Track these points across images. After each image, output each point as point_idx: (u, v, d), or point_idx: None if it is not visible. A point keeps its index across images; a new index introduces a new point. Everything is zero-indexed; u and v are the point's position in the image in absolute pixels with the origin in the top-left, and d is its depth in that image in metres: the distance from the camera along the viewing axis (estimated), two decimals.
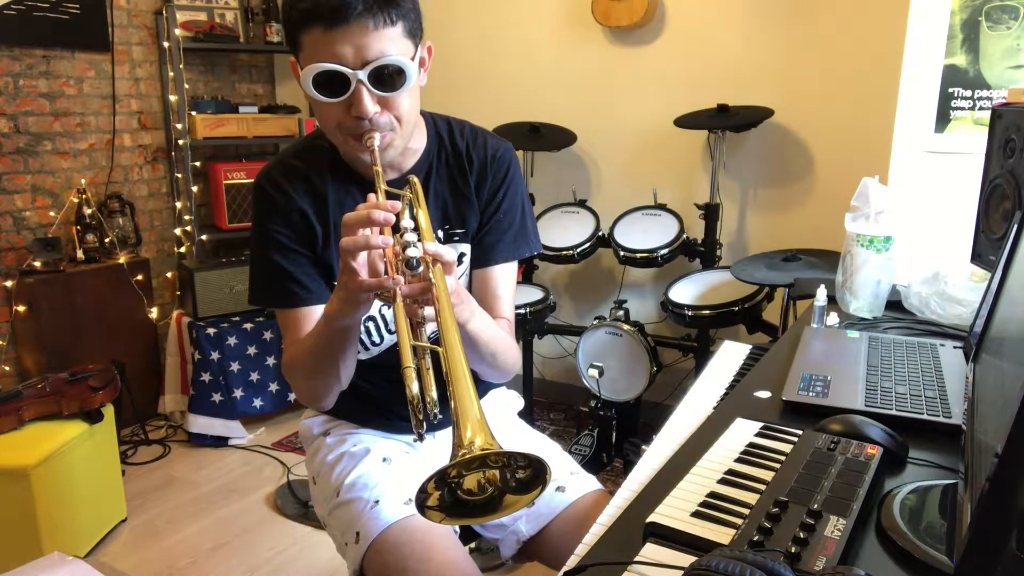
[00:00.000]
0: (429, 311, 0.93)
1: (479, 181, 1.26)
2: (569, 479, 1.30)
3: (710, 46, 2.87)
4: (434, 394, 0.86)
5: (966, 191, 1.67)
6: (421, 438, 0.85)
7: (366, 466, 1.26)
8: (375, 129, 1.08)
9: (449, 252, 0.97)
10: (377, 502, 1.19)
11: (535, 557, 1.30)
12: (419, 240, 0.95)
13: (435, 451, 1.36)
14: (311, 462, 1.38)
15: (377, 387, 1.30)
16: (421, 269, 0.93)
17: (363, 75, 1.03)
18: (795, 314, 2.05)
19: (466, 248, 1.28)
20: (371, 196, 1.00)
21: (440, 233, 1.26)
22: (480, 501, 0.78)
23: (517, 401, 1.53)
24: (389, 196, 1.02)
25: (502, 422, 1.44)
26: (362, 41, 1.02)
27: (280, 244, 1.20)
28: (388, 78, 1.05)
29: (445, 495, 0.76)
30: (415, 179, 1.16)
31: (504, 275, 1.29)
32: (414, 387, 0.83)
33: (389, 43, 1.03)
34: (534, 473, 0.77)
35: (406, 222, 0.97)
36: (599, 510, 0.89)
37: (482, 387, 1.43)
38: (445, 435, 1.37)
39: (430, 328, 0.94)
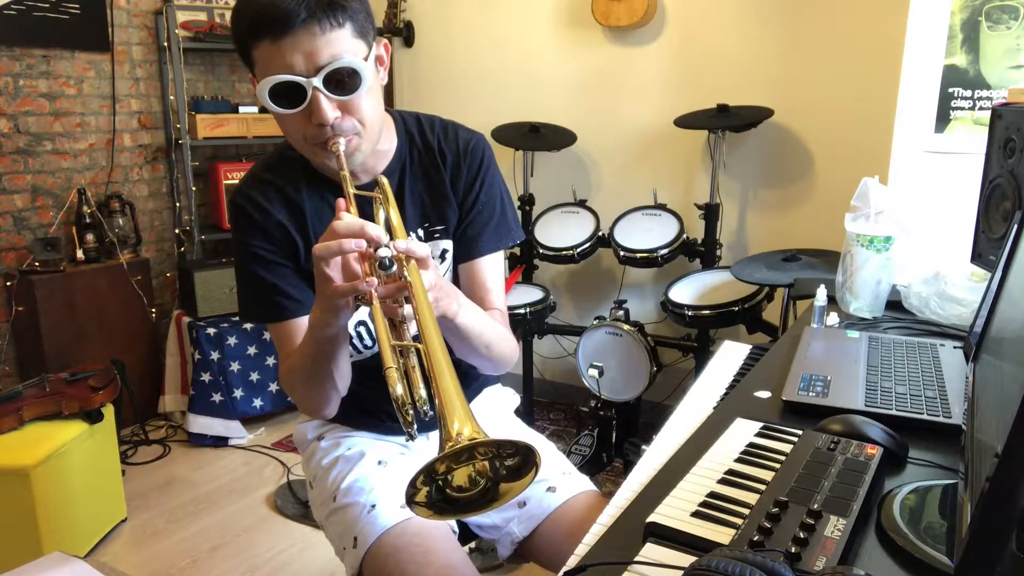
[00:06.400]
0: (408, 309, 0.93)
1: (454, 175, 1.25)
2: (561, 479, 1.29)
3: (710, 46, 2.87)
4: (422, 392, 0.85)
5: (966, 191, 1.67)
6: (412, 438, 0.84)
7: (362, 469, 1.26)
8: (339, 134, 1.06)
9: (422, 247, 0.96)
10: (374, 506, 1.19)
11: (530, 558, 1.29)
12: (390, 239, 0.95)
13: (430, 451, 1.35)
14: (307, 466, 1.38)
15: (368, 389, 1.29)
16: (395, 268, 0.93)
17: (317, 81, 1.01)
18: (795, 314, 2.05)
19: (448, 244, 1.27)
20: (340, 201, 1.00)
21: (420, 232, 1.25)
22: (473, 496, 0.78)
23: (513, 398, 1.53)
24: (359, 199, 1.01)
25: (497, 420, 1.44)
26: (311, 47, 1.00)
27: (263, 259, 1.20)
28: (343, 81, 1.03)
29: (433, 492, 0.76)
30: (383, 179, 1.15)
31: (491, 266, 1.28)
32: (398, 388, 0.82)
33: (339, 46, 1.02)
34: (523, 459, 0.77)
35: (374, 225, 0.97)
36: (591, 511, 0.89)
37: (477, 383, 1.43)
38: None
39: (414, 326, 0.93)
